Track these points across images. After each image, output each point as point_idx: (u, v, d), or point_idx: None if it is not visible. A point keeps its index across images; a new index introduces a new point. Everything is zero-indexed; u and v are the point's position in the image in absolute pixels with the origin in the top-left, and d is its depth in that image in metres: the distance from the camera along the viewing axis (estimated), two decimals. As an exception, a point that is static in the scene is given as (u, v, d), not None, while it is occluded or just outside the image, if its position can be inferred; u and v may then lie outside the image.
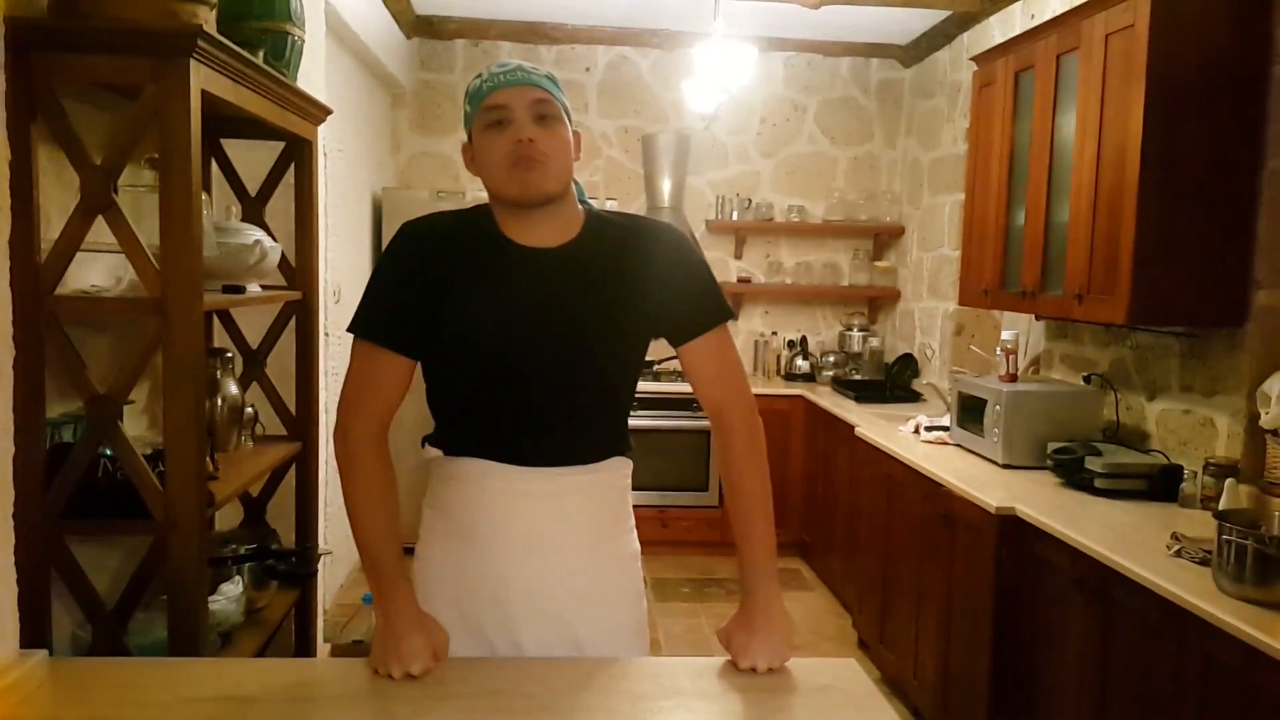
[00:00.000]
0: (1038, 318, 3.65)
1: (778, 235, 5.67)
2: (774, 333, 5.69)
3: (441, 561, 1.56)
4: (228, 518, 2.55)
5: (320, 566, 2.72)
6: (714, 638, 1.59)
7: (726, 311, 1.61)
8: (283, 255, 2.41)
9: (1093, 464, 2.81)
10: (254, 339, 2.54)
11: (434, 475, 1.60)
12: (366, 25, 4.13)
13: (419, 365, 1.55)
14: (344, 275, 4.22)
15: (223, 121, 2.16)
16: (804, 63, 5.61)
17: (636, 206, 5.43)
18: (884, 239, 5.65)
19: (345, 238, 4.33)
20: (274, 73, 2.07)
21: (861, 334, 5.52)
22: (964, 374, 3.82)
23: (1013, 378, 3.28)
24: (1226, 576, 1.97)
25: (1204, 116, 2.63)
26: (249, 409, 2.40)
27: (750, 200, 5.56)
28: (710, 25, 4.10)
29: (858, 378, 5.28)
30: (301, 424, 2.55)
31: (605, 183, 5.54)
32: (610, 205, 4.73)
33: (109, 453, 1.79)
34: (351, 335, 1.52)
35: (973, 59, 3.77)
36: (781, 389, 5.17)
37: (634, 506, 1.67)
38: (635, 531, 1.67)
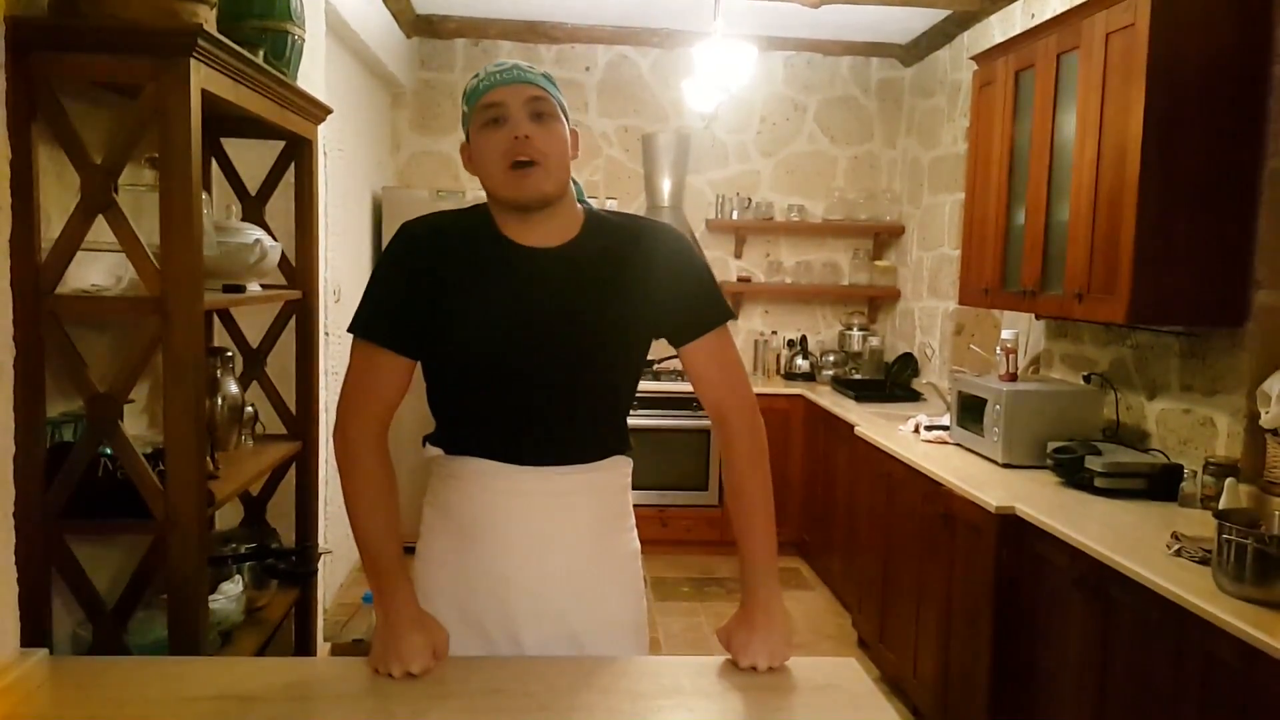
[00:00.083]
0: (1038, 317, 3.65)
1: (778, 234, 5.67)
2: (774, 332, 5.69)
3: (442, 560, 1.57)
4: (228, 517, 2.55)
5: (320, 565, 2.72)
6: (714, 637, 1.59)
7: (727, 312, 1.61)
8: (283, 254, 2.41)
9: (1093, 463, 2.81)
10: (254, 338, 2.54)
11: (435, 474, 1.60)
12: (366, 24, 4.13)
13: (419, 365, 1.55)
14: (344, 274, 4.22)
15: (223, 121, 2.16)
16: (804, 62, 5.60)
17: (636, 206, 5.43)
18: (884, 238, 5.65)
19: (345, 237, 4.33)
20: (274, 72, 2.07)
21: (861, 333, 5.52)
22: (964, 373, 3.82)
23: (1013, 377, 3.28)
24: (1226, 576, 1.97)
25: (1204, 116, 2.63)
26: (249, 408, 2.40)
27: (750, 200, 5.56)
28: (710, 24, 4.10)
29: (858, 377, 5.28)
30: (301, 423, 2.55)
31: (605, 182, 5.54)
32: (610, 205, 4.73)
33: (109, 452, 1.79)
34: (351, 335, 1.52)
35: (973, 58, 3.77)
36: (781, 388, 5.17)
37: (634, 506, 1.67)
38: (635, 530, 1.67)
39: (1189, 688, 2.00)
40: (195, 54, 1.67)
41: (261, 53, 2.07)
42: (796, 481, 4.99)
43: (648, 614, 1.68)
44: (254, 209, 2.48)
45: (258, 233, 2.21)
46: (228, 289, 2.10)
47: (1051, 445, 3.00)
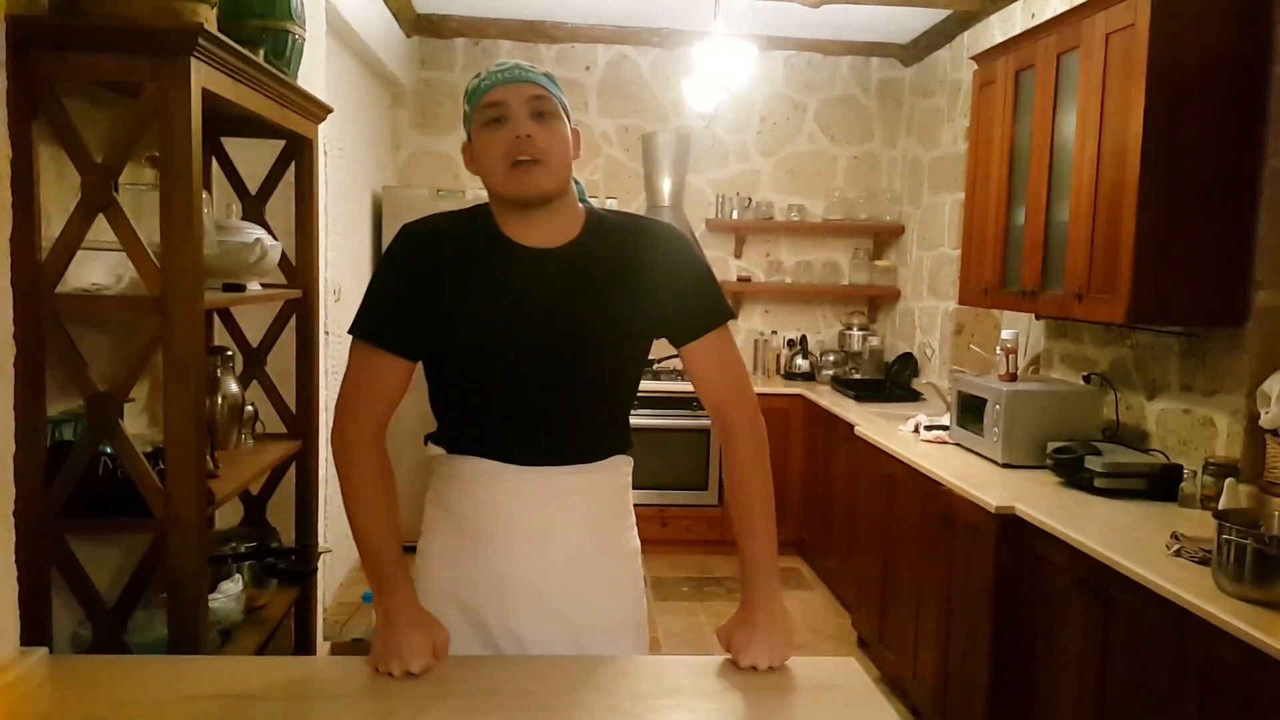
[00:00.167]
0: (1037, 317, 3.65)
1: (778, 234, 5.67)
2: (774, 332, 5.69)
3: (443, 557, 1.57)
4: (228, 516, 2.55)
5: (320, 565, 2.72)
6: (713, 636, 1.59)
7: (728, 311, 1.61)
8: (283, 253, 2.41)
9: (1092, 463, 2.81)
10: (254, 337, 2.54)
11: (436, 473, 1.60)
12: (367, 24, 4.13)
13: (420, 365, 1.55)
14: (344, 274, 4.22)
15: (223, 120, 2.16)
16: (804, 61, 5.60)
17: (636, 205, 5.43)
18: (884, 238, 5.65)
19: (345, 236, 4.33)
20: (274, 71, 2.08)
21: (861, 333, 5.52)
22: (964, 373, 3.82)
23: (1012, 377, 3.28)
24: (1226, 576, 1.97)
25: (1204, 116, 2.63)
26: (249, 407, 2.40)
27: (750, 199, 5.56)
28: (710, 24, 4.10)
29: (857, 377, 5.28)
30: (301, 422, 2.56)
31: (605, 182, 5.54)
32: (610, 204, 4.73)
33: (109, 451, 1.79)
34: (351, 336, 1.52)
35: (973, 58, 3.77)
36: (781, 388, 5.17)
37: (634, 505, 1.68)
38: (635, 528, 1.67)
39: (1188, 688, 2.00)
40: (196, 53, 1.67)
41: (262, 52, 2.07)
42: (796, 481, 4.99)
43: (648, 613, 1.68)
44: (254, 208, 2.48)
45: (258, 232, 2.21)
46: (228, 288, 2.10)
47: (1051, 445, 3.00)
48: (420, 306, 1.49)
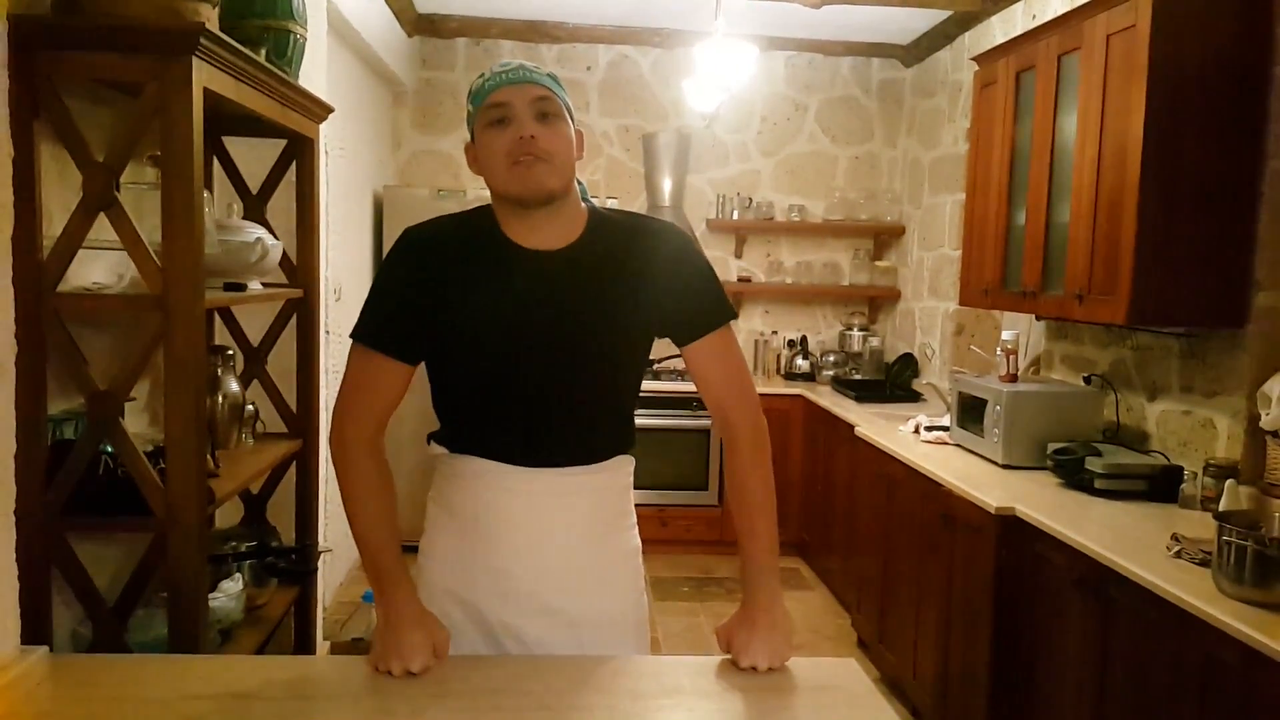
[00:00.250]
0: (1038, 318, 3.65)
1: (778, 234, 5.67)
2: (774, 332, 5.69)
3: (445, 556, 1.57)
4: (228, 515, 2.55)
5: (320, 564, 2.73)
6: (713, 636, 1.59)
7: (730, 311, 1.61)
8: (284, 253, 2.41)
9: (1093, 464, 2.81)
10: (255, 336, 2.55)
11: (439, 472, 1.60)
12: (368, 23, 4.13)
13: (424, 365, 1.55)
14: (345, 273, 4.22)
15: (224, 119, 2.16)
16: (805, 62, 5.61)
17: (637, 205, 5.43)
18: (884, 238, 5.65)
19: (346, 236, 4.33)
20: (276, 71, 2.08)
21: (861, 334, 5.52)
22: (964, 374, 3.82)
23: (1013, 378, 3.28)
24: (1226, 577, 1.97)
25: (1205, 117, 2.63)
26: (249, 406, 2.40)
27: (751, 199, 5.56)
28: (711, 24, 4.10)
29: (858, 377, 5.28)
30: (302, 421, 2.56)
31: (606, 181, 5.54)
32: (611, 204, 4.73)
33: (110, 450, 1.79)
34: (351, 340, 1.52)
35: (974, 59, 3.77)
36: (781, 388, 5.17)
37: (634, 505, 1.68)
38: (636, 527, 1.68)
39: (1188, 689, 2.00)
40: (197, 53, 1.67)
41: (263, 52, 2.07)
42: (796, 482, 4.99)
43: (648, 612, 1.68)
44: (255, 207, 2.48)
45: (259, 231, 2.21)
46: (229, 287, 2.10)
47: (1052, 446, 3.00)
48: (422, 311, 1.49)
